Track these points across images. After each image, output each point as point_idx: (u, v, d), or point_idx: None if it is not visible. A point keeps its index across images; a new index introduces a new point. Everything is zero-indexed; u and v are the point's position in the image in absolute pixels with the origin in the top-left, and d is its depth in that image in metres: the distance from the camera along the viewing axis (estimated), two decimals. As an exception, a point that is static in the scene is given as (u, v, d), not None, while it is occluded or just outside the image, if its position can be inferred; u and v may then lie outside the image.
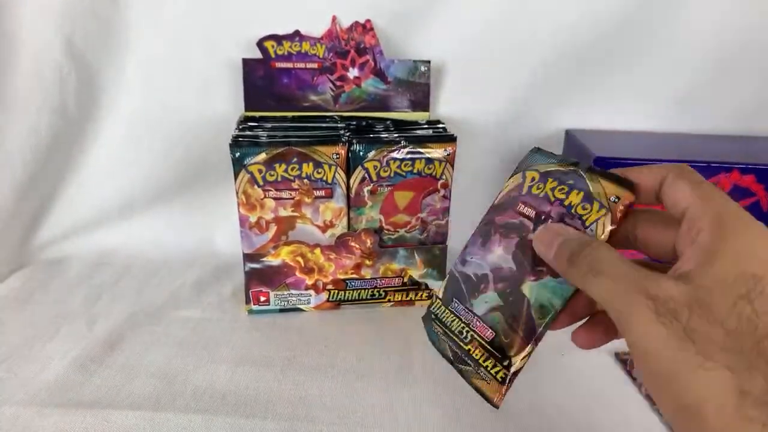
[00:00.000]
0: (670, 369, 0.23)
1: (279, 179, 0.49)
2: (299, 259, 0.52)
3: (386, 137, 0.51)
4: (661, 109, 0.62)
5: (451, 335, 0.33)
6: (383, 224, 0.53)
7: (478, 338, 0.32)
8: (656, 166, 0.29)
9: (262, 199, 0.50)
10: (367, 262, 0.53)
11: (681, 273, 0.24)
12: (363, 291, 0.55)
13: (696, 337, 0.22)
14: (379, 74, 0.57)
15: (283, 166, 0.49)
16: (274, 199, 0.50)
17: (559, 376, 0.46)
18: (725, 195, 0.26)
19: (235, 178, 0.49)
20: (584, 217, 0.30)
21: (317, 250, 0.52)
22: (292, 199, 0.50)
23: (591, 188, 0.30)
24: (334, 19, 0.56)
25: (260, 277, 0.52)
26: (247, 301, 0.53)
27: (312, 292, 0.54)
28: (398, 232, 0.54)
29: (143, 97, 0.58)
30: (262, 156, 0.48)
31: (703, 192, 0.26)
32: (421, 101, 0.58)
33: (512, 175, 0.33)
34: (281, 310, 0.54)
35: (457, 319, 0.33)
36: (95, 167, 0.61)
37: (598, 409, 0.42)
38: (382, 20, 0.57)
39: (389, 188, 0.51)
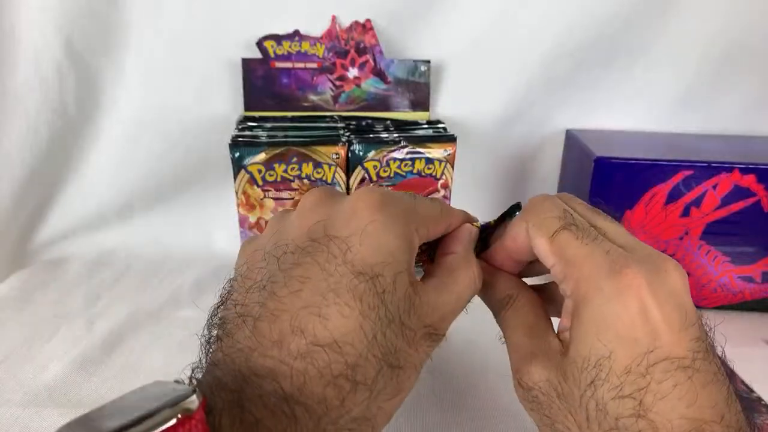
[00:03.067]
0: None
1: (278, 179, 0.49)
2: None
3: (386, 137, 0.51)
4: (661, 109, 0.62)
5: None
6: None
7: None
8: (516, 217, 0.29)
9: (261, 200, 0.50)
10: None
11: (561, 339, 0.25)
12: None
13: (556, 425, 0.23)
14: (379, 74, 0.57)
15: (283, 166, 0.49)
16: (274, 199, 0.50)
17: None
18: (576, 243, 0.24)
19: (235, 178, 0.49)
20: None
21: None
22: (292, 199, 0.50)
23: None
24: (333, 18, 0.56)
25: (260, 278, 0.52)
26: (247, 302, 0.53)
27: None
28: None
29: (143, 97, 0.58)
30: (262, 156, 0.48)
31: (560, 248, 0.25)
32: (421, 101, 0.58)
33: None
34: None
35: None
36: (95, 167, 0.61)
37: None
38: (382, 20, 0.56)
39: (389, 188, 0.51)
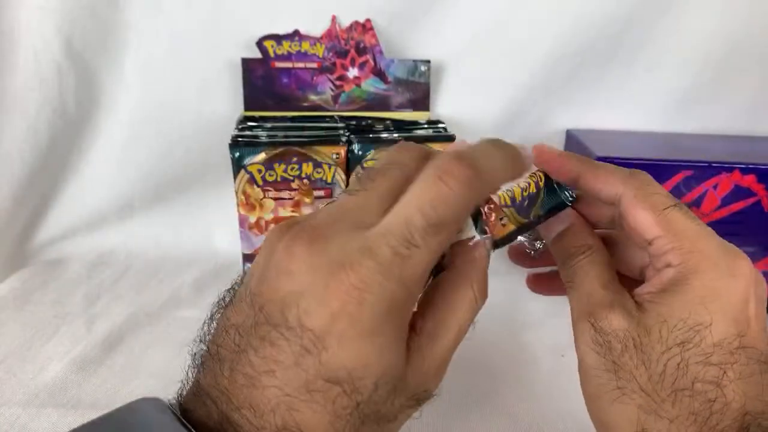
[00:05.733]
0: (595, 391, 0.25)
1: (278, 179, 0.49)
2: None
3: (386, 137, 0.51)
4: (661, 109, 0.62)
5: None
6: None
7: None
8: (614, 177, 0.27)
9: (261, 200, 0.50)
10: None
11: (638, 300, 0.25)
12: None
13: (621, 372, 0.24)
14: (379, 74, 0.57)
15: (283, 166, 0.49)
16: (274, 199, 0.50)
17: (559, 377, 0.46)
18: (688, 218, 0.25)
19: (235, 178, 0.49)
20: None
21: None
22: (292, 199, 0.50)
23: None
24: (333, 18, 0.56)
25: (260, 278, 0.52)
26: (247, 302, 0.53)
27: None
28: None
29: (142, 97, 0.58)
30: (262, 156, 0.48)
31: (668, 222, 0.25)
32: (421, 101, 0.58)
33: None
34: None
35: None
36: (94, 167, 0.61)
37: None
38: (382, 20, 0.56)
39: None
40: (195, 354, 0.24)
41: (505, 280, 0.45)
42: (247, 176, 0.49)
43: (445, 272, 0.25)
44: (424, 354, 0.23)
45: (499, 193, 0.28)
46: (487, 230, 0.27)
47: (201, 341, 0.24)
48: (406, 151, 0.25)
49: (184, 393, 0.23)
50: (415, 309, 0.24)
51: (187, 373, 0.24)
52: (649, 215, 0.25)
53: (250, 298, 0.22)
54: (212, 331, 0.24)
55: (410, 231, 0.21)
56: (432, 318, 0.24)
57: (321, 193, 0.50)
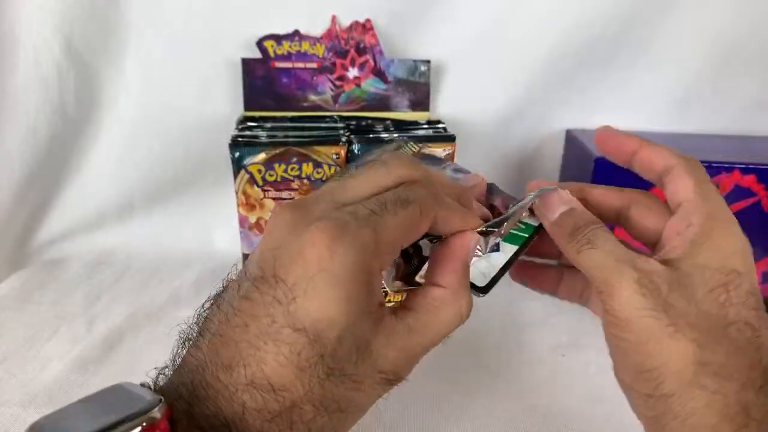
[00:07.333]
0: (641, 335, 0.24)
1: (278, 179, 0.49)
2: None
3: (386, 137, 0.51)
4: (661, 109, 0.62)
5: None
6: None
7: None
8: (670, 152, 0.30)
9: (261, 200, 0.50)
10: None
11: (666, 259, 0.26)
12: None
13: (670, 310, 0.24)
14: (379, 74, 0.57)
15: (283, 167, 0.49)
16: (274, 199, 0.50)
17: (559, 376, 0.46)
18: (722, 199, 0.28)
19: (235, 178, 0.49)
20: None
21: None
22: (292, 199, 0.50)
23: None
24: (333, 18, 0.56)
25: (260, 278, 0.52)
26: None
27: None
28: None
29: (142, 97, 0.58)
30: (262, 156, 0.48)
31: (703, 192, 0.28)
32: (421, 101, 0.58)
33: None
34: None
35: None
36: (94, 167, 0.61)
37: (597, 409, 0.42)
38: (382, 20, 0.56)
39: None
40: (185, 336, 0.25)
41: (504, 281, 0.45)
42: (247, 176, 0.49)
43: (440, 289, 0.27)
44: (397, 339, 0.24)
45: None
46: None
47: (193, 324, 0.25)
48: (396, 157, 0.28)
49: (167, 374, 0.25)
50: (396, 298, 0.26)
51: (173, 354, 0.25)
52: (690, 183, 0.28)
53: (242, 267, 0.25)
54: (205, 312, 0.25)
55: (383, 200, 0.24)
56: (417, 315, 0.26)
57: (321, 193, 0.50)
